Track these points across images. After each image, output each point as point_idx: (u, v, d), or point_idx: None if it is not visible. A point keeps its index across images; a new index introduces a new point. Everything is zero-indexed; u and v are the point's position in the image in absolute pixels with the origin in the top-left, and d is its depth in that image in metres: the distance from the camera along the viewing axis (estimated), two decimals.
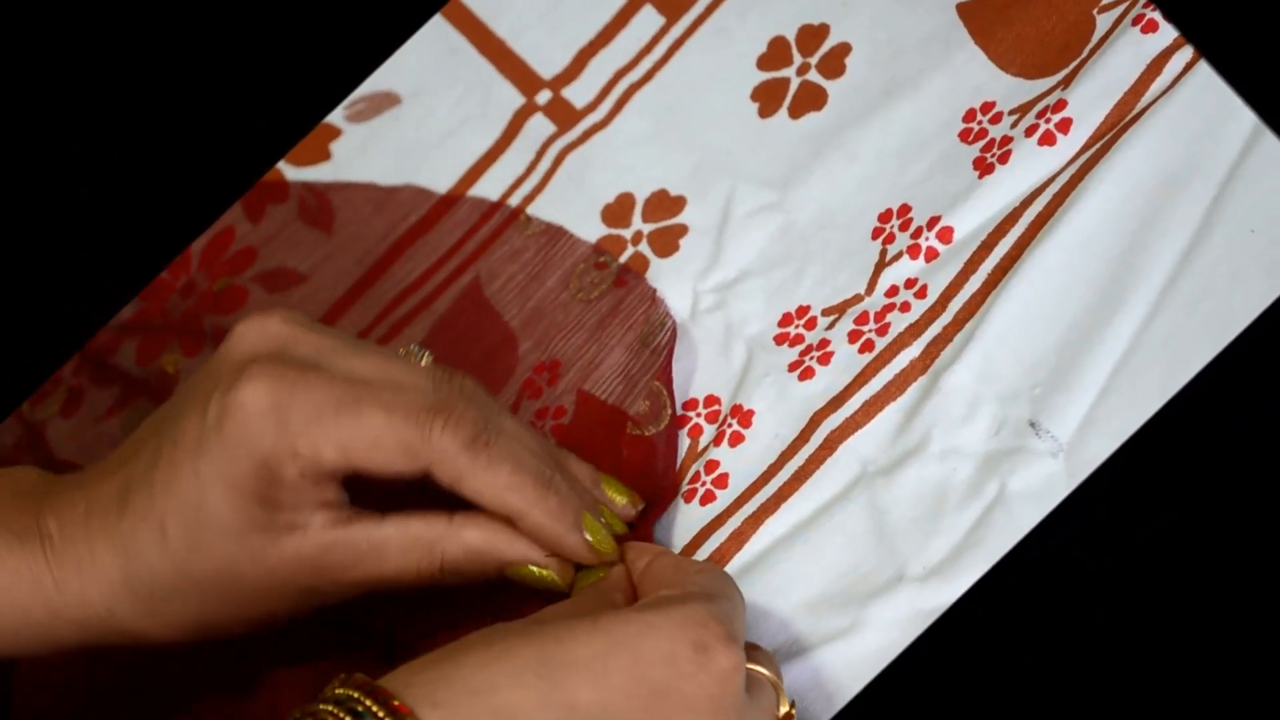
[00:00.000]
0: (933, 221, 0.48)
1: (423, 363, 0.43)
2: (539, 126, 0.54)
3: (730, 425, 0.48)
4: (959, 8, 0.50)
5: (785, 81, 0.52)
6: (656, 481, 0.47)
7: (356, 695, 0.36)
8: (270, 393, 0.41)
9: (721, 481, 0.47)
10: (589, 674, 0.37)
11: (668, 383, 0.49)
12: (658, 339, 0.49)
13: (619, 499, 0.46)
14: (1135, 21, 0.47)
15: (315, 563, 0.42)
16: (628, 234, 0.52)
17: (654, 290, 0.51)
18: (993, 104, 0.49)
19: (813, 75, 0.52)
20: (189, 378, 0.43)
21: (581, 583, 0.43)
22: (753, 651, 0.42)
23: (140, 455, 0.42)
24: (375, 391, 0.41)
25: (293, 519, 0.41)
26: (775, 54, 0.53)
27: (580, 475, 0.46)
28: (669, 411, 0.48)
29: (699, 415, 0.49)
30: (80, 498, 0.42)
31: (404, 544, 0.42)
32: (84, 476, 0.43)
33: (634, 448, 0.47)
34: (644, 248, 0.52)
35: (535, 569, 0.43)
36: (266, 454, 0.40)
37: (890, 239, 0.49)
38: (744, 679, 0.38)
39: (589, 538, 0.43)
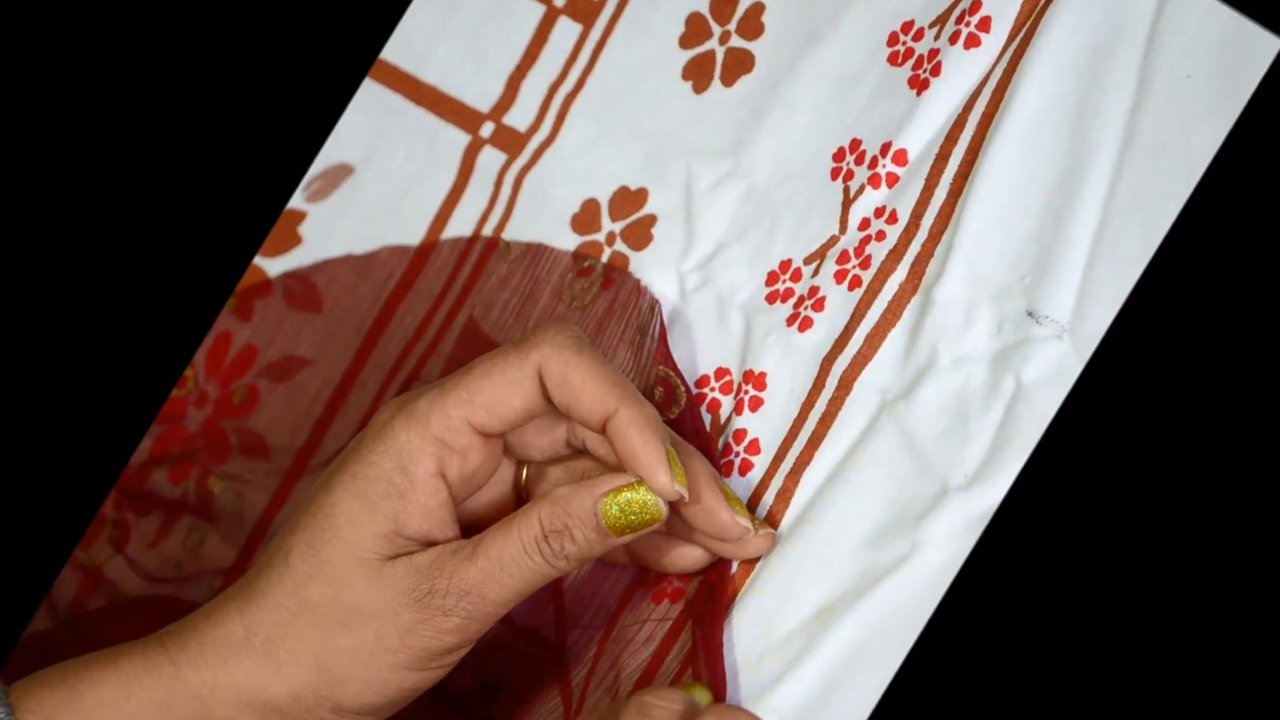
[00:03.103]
0: (885, 148, 0.48)
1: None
2: (490, 159, 0.54)
3: (747, 392, 0.47)
4: None
5: (711, 54, 0.52)
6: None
7: None
8: (398, 403, 0.43)
9: (754, 448, 0.47)
10: None
11: (671, 364, 0.48)
12: (651, 325, 0.49)
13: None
14: None
15: (427, 572, 0.42)
16: (601, 237, 0.52)
17: (638, 280, 0.50)
18: (911, 22, 0.49)
19: (735, 41, 0.52)
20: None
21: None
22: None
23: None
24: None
25: (407, 546, 0.42)
26: (694, 30, 0.52)
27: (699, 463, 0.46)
28: (683, 390, 0.48)
29: (714, 390, 0.48)
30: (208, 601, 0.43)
31: (501, 528, 0.42)
32: None
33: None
34: (620, 246, 0.51)
35: (631, 493, 0.42)
36: (400, 447, 0.42)
37: (850, 175, 0.48)
38: None
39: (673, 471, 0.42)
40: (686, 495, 0.43)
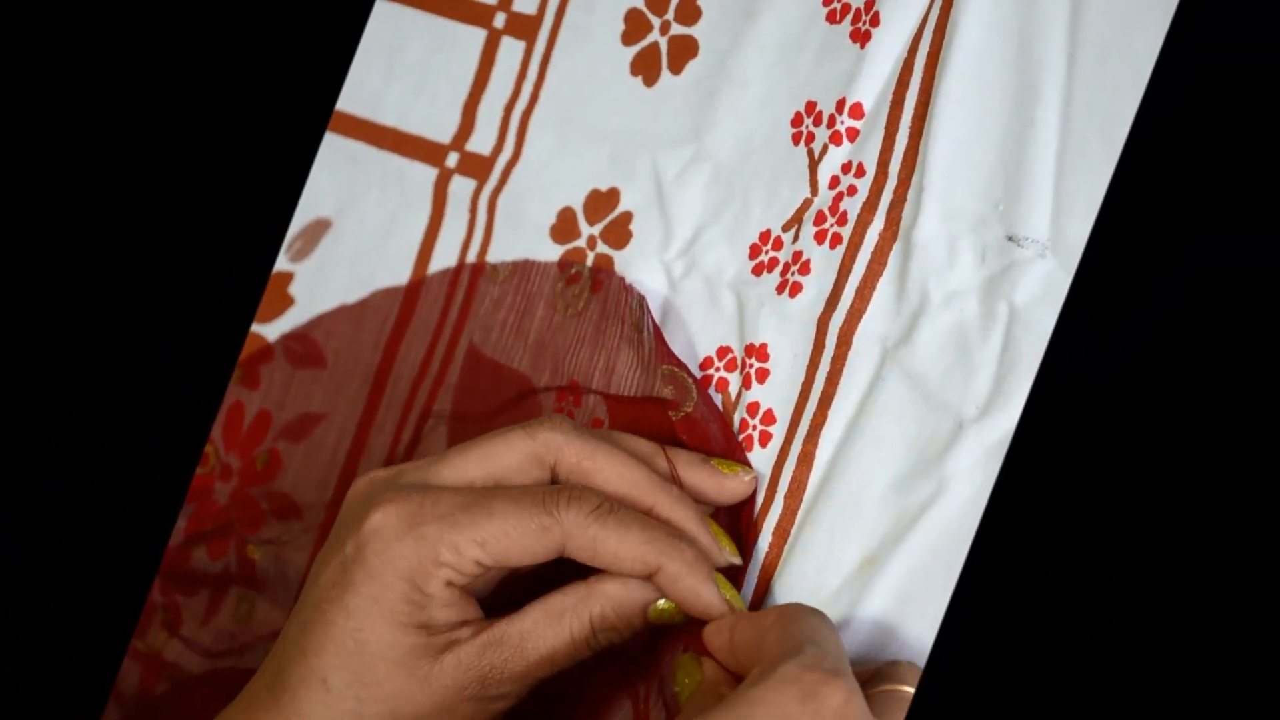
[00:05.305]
0: (840, 105, 0.48)
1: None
2: (461, 187, 0.54)
3: (751, 365, 0.47)
4: None
5: (654, 46, 0.52)
6: (722, 445, 0.47)
7: None
8: (400, 514, 0.41)
9: (769, 418, 0.47)
10: None
11: (673, 359, 0.48)
12: (644, 321, 0.49)
13: (732, 469, 0.46)
14: None
15: (477, 668, 0.41)
16: (582, 242, 0.52)
17: (622, 278, 0.50)
18: None
19: (676, 29, 0.52)
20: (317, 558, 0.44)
21: (684, 691, 0.43)
22: (889, 667, 0.42)
23: (286, 637, 0.42)
24: (500, 490, 0.42)
25: (446, 638, 0.41)
26: (635, 26, 0.52)
27: (689, 461, 0.46)
28: (691, 382, 0.48)
29: (719, 370, 0.48)
30: (243, 704, 0.42)
31: (551, 619, 0.42)
32: (244, 691, 0.43)
33: (686, 428, 0.47)
34: (602, 248, 0.51)
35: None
36: (412, 570, 0.41)
37: (811, 138, 0.48)
38: (862, 702, 0.38)
39: (722, 591, 0.43)
40: (744, 609, 0.43)
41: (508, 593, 0.45)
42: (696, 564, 0.42)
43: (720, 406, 0.48)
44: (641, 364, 0.49)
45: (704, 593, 0.42)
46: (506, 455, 0.43)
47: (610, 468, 0.43)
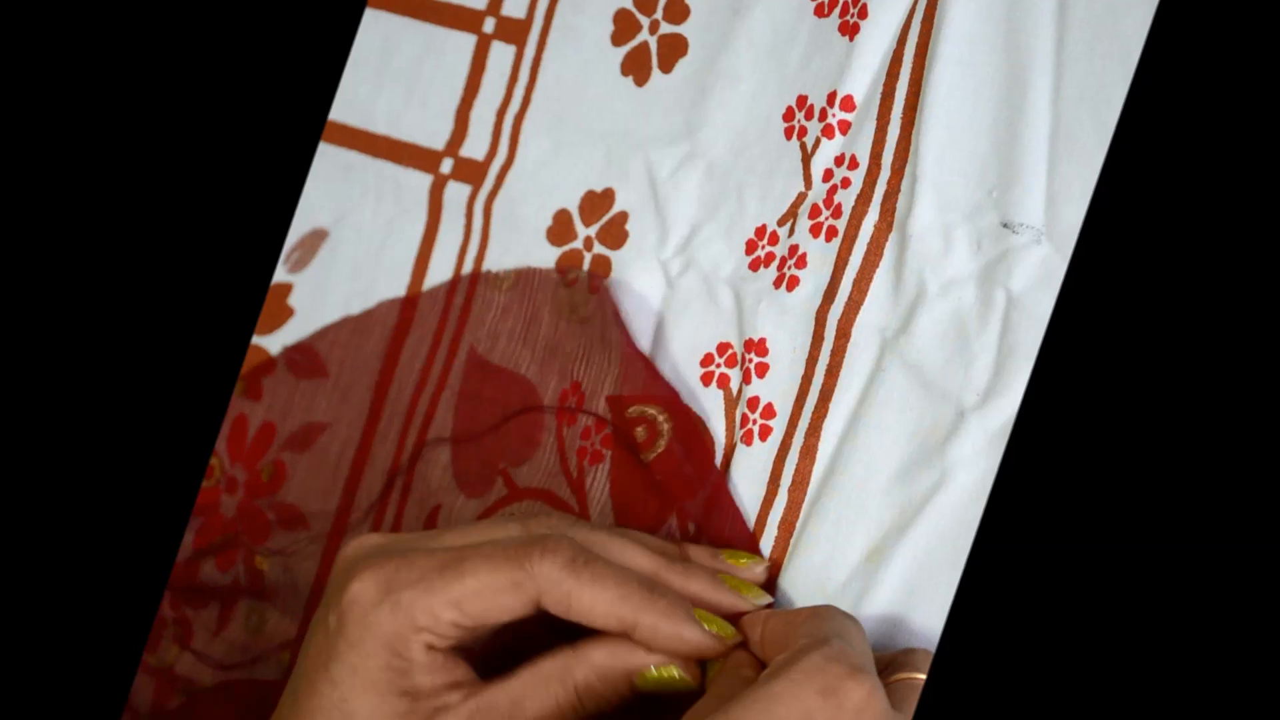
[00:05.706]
0: (831, 98, 0.48)
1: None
2: (456, 193, 0.54)
3: (751, 360, 0.47)
4: None
5: (644, 46, 0.52)
6: (695, 482, 0.47)
7: None
8: (377, 581, 0.41)
9: (769, 412, 0.47)
10: None
11: (648, 396, 0.48)
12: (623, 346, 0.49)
13: (742, 561, 0.45)
14: None
15: None
16: (579, 244, 0.52)
17: (604, 281, 0.50)
18: None
19: (665, 28, 0.52)
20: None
21: (711, 670, 0.42)
22: (905, 655, 0.41)
23: (280, 708, 0.42)
24: (474, 548, 0.41)
25: (433, 704, 0.41)
26: (624, 27, 0.52)
27: (698, 555, 0.45)
28: (663, 420, 0.47)
29: (720, 366, 0.48)
30: None
31: (538, 684, 0.41)
32: None
33: (660, 468, 0.47)
34: (599, 249, 0.51)
35: (663, 670, 0.42)
36: (390, 637, 0.40)
37: (803, 132, 0.48)
38: (883, 699, 0.37)
39: (707, 627, 0.42)
40: (738, 637, 0.42)
41: (506, 647, 0.44)
42: (672, 610, 0.41)
43: (721, 404, 0.48)
44: (648, 366, 0.49)
45: (687, 635, 0.41)
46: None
47: (614, 554, 0.43)
